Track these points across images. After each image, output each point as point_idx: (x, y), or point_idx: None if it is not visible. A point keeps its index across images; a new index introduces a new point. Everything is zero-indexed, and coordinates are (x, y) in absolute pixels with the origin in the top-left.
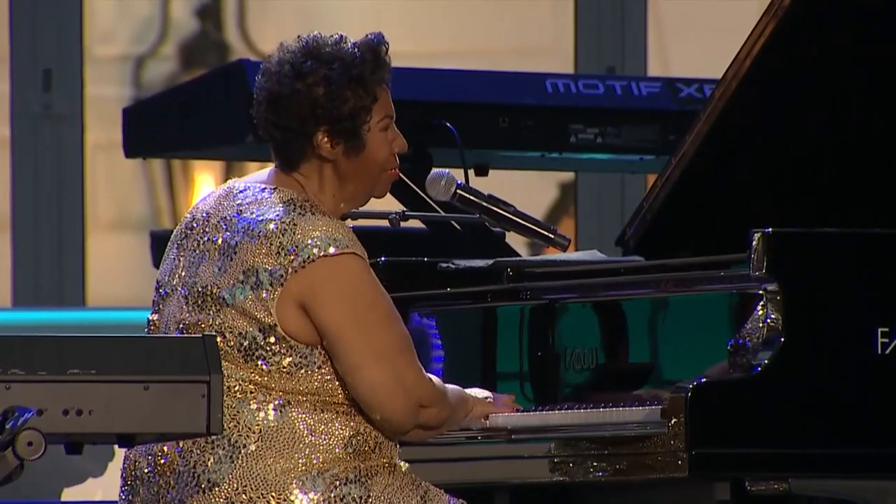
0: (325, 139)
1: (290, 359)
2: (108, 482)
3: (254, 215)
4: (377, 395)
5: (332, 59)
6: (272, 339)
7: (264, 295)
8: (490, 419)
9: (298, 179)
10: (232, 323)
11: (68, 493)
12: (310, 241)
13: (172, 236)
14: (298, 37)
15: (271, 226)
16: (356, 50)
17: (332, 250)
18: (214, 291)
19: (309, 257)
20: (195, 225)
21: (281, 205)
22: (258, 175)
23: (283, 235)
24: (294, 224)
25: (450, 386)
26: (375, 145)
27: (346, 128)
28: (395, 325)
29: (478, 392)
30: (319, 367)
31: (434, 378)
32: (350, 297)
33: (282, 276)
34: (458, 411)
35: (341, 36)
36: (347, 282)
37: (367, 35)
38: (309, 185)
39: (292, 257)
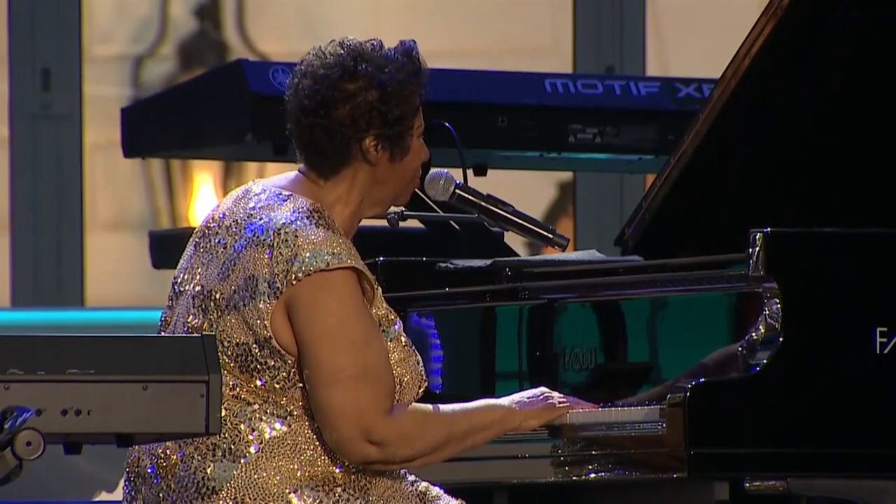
0: (373, 142)
1: (284, 373)
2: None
3: (261, 221)
4: (322, 416)
5: (383, 64)
6: (267, 353)
7: (261, 306)
8: None
9: (323, 186)
10: (231, 332)
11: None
12: (308, 255)
13: (194, 233)
14: (334, 41)
15: (273, 234)
16: (398, 56)
17: (327, 264)
18: (216, 296)
19: (305, 271)
20: (212, 225)
21: (289, 213)
22: (279, 178)
23: (283, 245)
24: (296, 235)
25: (482, 405)
26: (414, 152)
27: (394, 132)
28: (362, 351)
29: (536, 392)
30: None
31: (414, 410)
32: (324, 312)
33: (278, 287)
34: (467, 438)
35: (380, 41)
36: (327, 297)
37: (400, 42)
38: (334, 191)
39: (289, 268)
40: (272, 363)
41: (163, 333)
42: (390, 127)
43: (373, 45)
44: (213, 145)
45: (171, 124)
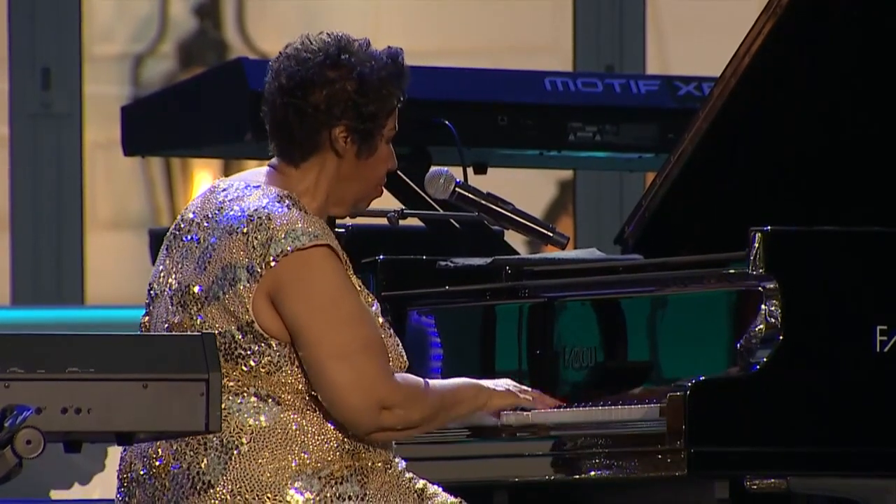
0: (343, 134)
1: (269, 357)
2: (106, 480)
3: (233, 212)
4: (335, 393)
5: (366, 59)
6: (250, 338)
7: (241, 291)
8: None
9: (292, 175)
10: (213, 322)
11: (66, 492)
12: (283, 236)
13: (164, 239)
14: (323, 32)
15: (247, 221)
16: (383, 56)
17: (304, 242)
18: (194, 290)
19: (282, 251)
20: (182, 225)
21: (259, 200)
22: (246, 174)
23: (258, 230)
24: (269, 218)
25: (458, 381)
26: (382, 154)
27: (365, 128)
28: (359, 323)
29: (500, 382)
30: (299, 365)
31: (408, 377)
32: (313, 292)
33: (257, 271)
34: (452, 409)
35: (367, 40)
36: (312, 276)
37: (388, 47)
38: (302, 182)
39: (266, 252)
40: (256, 348)
41: None
42: (362, 121)
43: (360, 42)
44: (213, 144)
45: (171, 123)
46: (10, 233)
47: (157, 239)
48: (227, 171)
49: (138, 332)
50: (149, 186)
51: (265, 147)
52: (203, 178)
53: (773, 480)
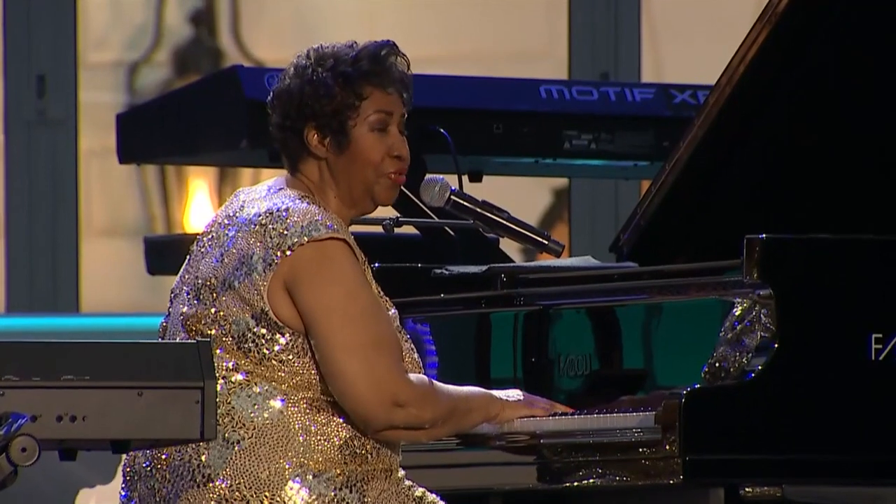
0: (315, 135)
1: (280, 346)
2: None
3: (254, 209)
4: (346, 386)
5: (327, 59)
6: (264, 327)
7: (257, 280)
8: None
9: (305, 182)
10: (227, 311)
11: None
12: (301, 228)
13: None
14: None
15: (265, 215)
16: (353, 51)
17: (321, 233)
18: (212, 282)
19: (298, 241)
20: (206, 229)
21: (279, 198)
22: (269, 181)
23: (275, 222)
24: (287, 211)
25: (471, 389)
26: (365, 143)
27: (331, 124)
28: (374, 319)
29: (511, 393)
30: (311, 357)
31: (422, 378)
32: (330, 283)
33: (273, 260)
34: (464, 417)
35: (353, 42)
36: (330, 268)
37: (370, 41)
38: (314, 188)
39: (283, 241)
40: (269, 336)
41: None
42: (327, 119)
43: (344, 44)
44: (209, 152)
45: (166, 130)
46: (4, 240)
47: (152, 247)
48: (222, 179)
49: (134, 340)
50: (144, 194)
51: (261, 155)
52: (198, 185)
53: (767, 488)
